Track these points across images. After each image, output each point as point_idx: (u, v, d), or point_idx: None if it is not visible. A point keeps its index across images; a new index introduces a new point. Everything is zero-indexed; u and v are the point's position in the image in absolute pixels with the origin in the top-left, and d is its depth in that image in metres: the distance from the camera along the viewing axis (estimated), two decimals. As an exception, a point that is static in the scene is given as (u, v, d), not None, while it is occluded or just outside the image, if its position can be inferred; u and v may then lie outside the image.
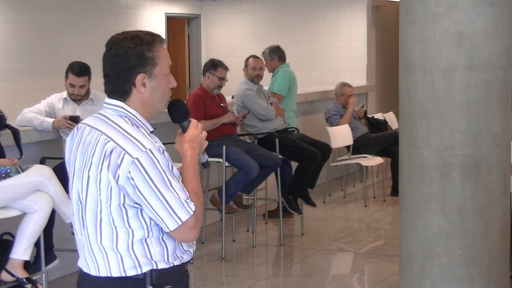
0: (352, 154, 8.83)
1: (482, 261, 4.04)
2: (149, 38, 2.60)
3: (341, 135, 8.65)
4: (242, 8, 11.80)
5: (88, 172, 2.57)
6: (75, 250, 5.90)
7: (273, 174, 7.16)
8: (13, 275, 4.86)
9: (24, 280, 4.88)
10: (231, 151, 6.56)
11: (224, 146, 6.46)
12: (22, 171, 4.92)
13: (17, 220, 4.93)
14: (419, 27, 4.00)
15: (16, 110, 5.86)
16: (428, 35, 3.98)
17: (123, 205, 2.53)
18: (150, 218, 2.55)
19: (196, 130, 2.68)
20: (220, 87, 6.90)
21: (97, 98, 5.80)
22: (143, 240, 2.57)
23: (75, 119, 5.58)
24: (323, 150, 7.47)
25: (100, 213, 2.56)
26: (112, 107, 2.62)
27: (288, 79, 8.12)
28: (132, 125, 2.57)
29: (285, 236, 7.15)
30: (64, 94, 5.78)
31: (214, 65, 6.85)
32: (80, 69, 5.67)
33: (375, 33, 12.11)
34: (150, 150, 2.49)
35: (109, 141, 2.53)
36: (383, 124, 9.65)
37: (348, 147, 8.82)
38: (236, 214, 7.19)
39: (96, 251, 2.60)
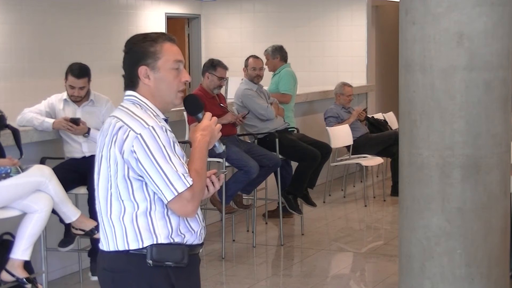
0: (352, 154, 8.82)
1: (482, 261, 4.05)
2: (154, 36, 2.86)
3: (341, 135, 8.65)
4: (242, 8, 11.80)
5: (101, 152, 2.82)
6: (75, 250, 5.93)
7: (273, 174, 7.15)
8: (13, 275, 4.86)
9: (24, 280, 4.88)
10: (231, 151, 6.56)
11: (224, 146, 6.46)
12: (22, 171, 4.91)
13: (17, 220, 4.93)
14: (419, 27, 4.01)
15: (16, 110, 5.85)
16: (428, 35, 3.98)
17: (128, 177, 2.74)
18: (154, 192, 2.75)
19: (209, 121, 2.91)
20: (220, 86, 6.89)
21: (97, 99, 5.80)
22: (147, 213, 2.77)
23: (75, 121, 5.57)
24: (323, 150, 7.47)
25: (110, 189, 2.79)
26: (127, 97, 2.89)
27: (293, 78, 8.16)
28: (141, 109, 2.82)
29: (285, 236, 7.15)
30: (64, 95, 5.77)
31: (213, 65, 6.84)
32: (79, 71, 5.65)
33: (375, 33, 12.10)
34: (152, 127, 2.73)
35: (118, 121, 2.79)
36: (383, 124, 9.65)
37: (348, 147, 8.82)
38: (236, 214, 7.19)
39: (106, 226, 2.83)
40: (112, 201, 2.79)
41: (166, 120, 2.88)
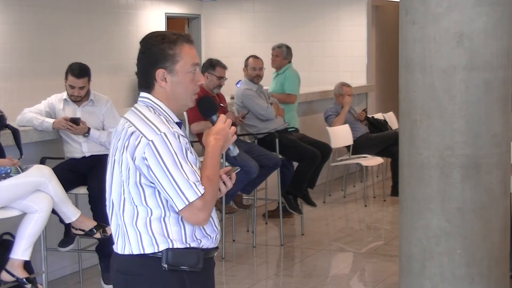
0: (352, 154, 8.82)
1: (482, 261, 4.05)
2: (173, 37, 2.79)
3: (341, 135, 8.65)
4: (242, 8, 11.80)
5: (114, 156, 2.79)
6: (75, 250, 5.92)
7: (274, 174, 7.15)
8: (13, 275, 4.86)
9: (24, 280, 4.88)
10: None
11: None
12: (22, 171, 4.91)
13: (17, 220, 4.93)
14: (419, 27, 4.00)
15: (16, 110, 5.86)
16: (428, 35, 3.98)
17: (140, 183, 2.71)
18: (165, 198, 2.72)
19: (223, 124, 2.83)
20: (219, 86, 6.89)
21: (97, 99, 5.80)
22: (161, 219, 2.74)
23: (75, 121, 5.57)
24: (323, 150, 7.47)
25: (123, 193, 2.76)
26: (142, 99, 2.84)
27: (297, 79, 8.20)
28: (155, 113, 2.77)
29: (285, 236, 7.15)
30: (64, 95, 5.77)
31: (212, 64, 6.83)
32: (79, 71, 5.65)
33: (375, 33, 12.10)
34: (164, 133, 2.68)
35: (131, 126, 2.75)
36: (383, 124, 9.64)
37: (348, 147, 8.81)
38: (236, 214, 7.19)
39: (121, 230, 2.80)
40: (126, 205, 2.76)
41: (180, 123, 2.84)
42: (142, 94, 2.84)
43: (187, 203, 2.66)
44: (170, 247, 2.73)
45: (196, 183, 2.67)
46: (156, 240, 2.73)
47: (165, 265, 2.73)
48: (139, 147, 2.68)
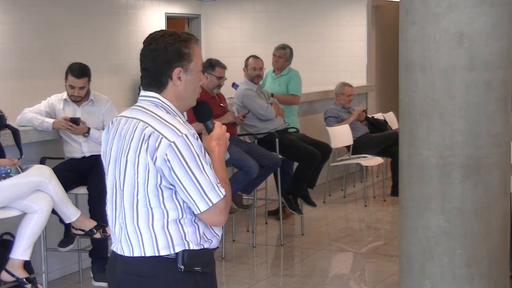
0: (352, 154, 8.82)
1: (482, 261, 4.04)
2: (186, 36, 2.81)
3: (341, 135, 8.65)
4: (242, 8, 11.80)
5: (126, 157, 2.74)
6: (75, 250, 5.93)
7: (273, 174, 7.15)
8: (13, 275, 4.86)
9: (24, 280, 4.88)
10: (231, 151, 6.53)
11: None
12: (22, 171, 4.91)
13: (17, 220, 4.93)
14: (419, 27, 4.00)
15: (16, 110, 5.86)
16: (428, 35, 3.98)
17: (160, 186, 2.69)
18: (184, 200, 2.71)
19: (221, 130, 2.89)
20: (219, 86, 6.89)
21: (97, 99, 5.80)
22: (177, 221, 2.73)
23: (75, 121, 5.57)
24: (323, 150, 7.47)
25: (137, 195, 2.72)
26: (148, 98, 2.80)
27: (300, 80, 8.18)
28: (168, 113, 2.75)
29: (285, 236, 7.15)
30: (64, 95, 5.78)
31: (212, 64, 6.83)
32: (79, 71, 5.65)
33: (375, 33, 12.10)
34: (185, 135, 2.67)
35: (147, 126, 2.70)
36: (383, 124, 9.65)
37: (348, 147, 8.82)
38: (236, 214, 7.19)
39: (131, 232, 2.75)
40: (139, 208, 2.72)
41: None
42: (148, 93, 2.80)
43: (211, 204, 2.67)
44: (186, 248, 2.73)
45: (218, 185, 2.70)
46: (173, 242, 2.72)
47: (181, 266, 2.73)
48: (160, 148, 2.65)
